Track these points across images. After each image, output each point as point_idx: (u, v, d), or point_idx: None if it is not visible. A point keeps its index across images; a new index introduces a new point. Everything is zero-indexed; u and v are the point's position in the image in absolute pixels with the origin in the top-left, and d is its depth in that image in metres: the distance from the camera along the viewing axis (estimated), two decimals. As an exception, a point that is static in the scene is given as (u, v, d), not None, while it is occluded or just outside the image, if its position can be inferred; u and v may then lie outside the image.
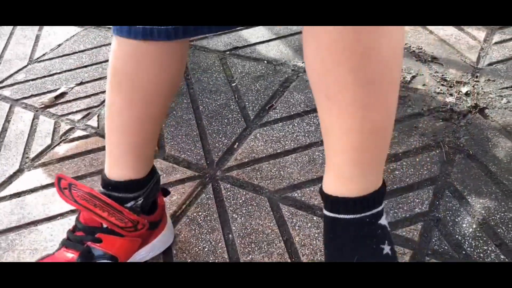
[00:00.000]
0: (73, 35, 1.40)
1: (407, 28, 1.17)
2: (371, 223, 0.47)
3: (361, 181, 0.47)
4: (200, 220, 0.76)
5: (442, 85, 0.97)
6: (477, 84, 0.95)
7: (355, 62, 0.37)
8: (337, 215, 0.48)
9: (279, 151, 0.87)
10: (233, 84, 1.08)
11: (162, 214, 0.69)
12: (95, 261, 0.59)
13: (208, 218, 0.76)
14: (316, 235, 0.70)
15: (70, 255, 0.59)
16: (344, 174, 0.47)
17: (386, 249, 0.48)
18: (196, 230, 0.75)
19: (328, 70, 0.39)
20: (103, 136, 0.98)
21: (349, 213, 0.47)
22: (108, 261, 0.60)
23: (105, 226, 0.60)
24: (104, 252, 0.60)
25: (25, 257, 0.73)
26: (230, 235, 0.73)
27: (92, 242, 0.59)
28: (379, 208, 0.49)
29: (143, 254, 0.68)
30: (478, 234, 0.67)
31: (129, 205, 0.61)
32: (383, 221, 0.49)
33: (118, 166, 0.60)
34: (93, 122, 1.03)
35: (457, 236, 0.67)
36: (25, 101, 1.11)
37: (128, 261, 0.65)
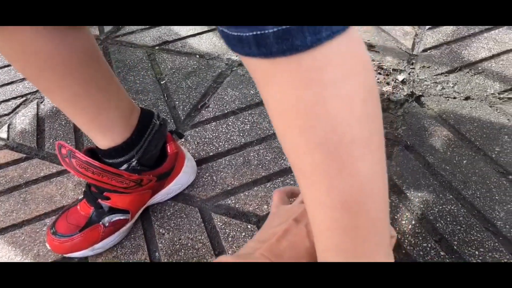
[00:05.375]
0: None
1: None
2: None
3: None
4: (123, 238, 0.68)
5: (379, 73, 0.94)
6: (413, 71, 0.93)
7: (302, 123, 0.30)
8: None
9: (211, 153, 0.80)
10: (162, 82, 0.99)
11: (173, 163, 0.69)
12: (108, 215, 0.65)
13: (132, 236, 0.68)
14: (251, 245, 0.65)
15: (88, 209, 0.65)
16: (327, 261, 0.37)
17: None
18: (119, 251, 0.66)
19: (283, 135, 0.33)
20: (13, 149, 0.86)
21: None
22: (120, 214, 0.65)
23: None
24: (114, 207, 0.65)
25: None
26: (157, 254, 0.66)
27: (102, 199, 0.64)
28: None
29: (159, 198, 0.71)
30: (417, 230, 0.64)
31: (123, 168, 0.62)
32: None
33: (94, 138, 0.61)
34: (2, 133, 0.91)
35: (397, 235, 0.64)
36: None
37: (146, 205, 0.70)
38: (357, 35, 0.31)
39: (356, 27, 0.31)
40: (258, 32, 0.27)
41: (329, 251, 0.36)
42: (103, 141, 0.60)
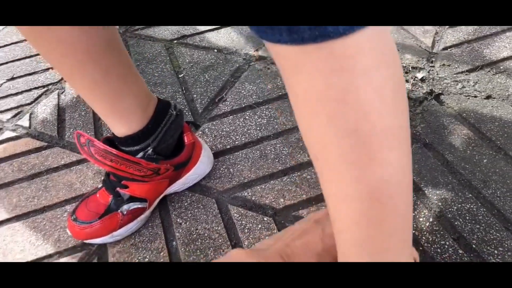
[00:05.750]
0: (5, 27, 1.27)
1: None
2: None
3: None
4: (141, 227, 0.69)
5: (398, 71, 0.93)
6: (432, 70, 0.92)
7: (332, 110, 0.30)
8: None
9: (228, 146, 0.81)
10: (180, 76, 1.00)
11: (190, 153, 0.70)
12: (126, 203, 0.65)
13: (150, 224, 0.69)
14: (267, 237, 0.65)
15: (107, 197, 0.66)
16: (350, 258, 0.36)
17: None
18: (136, 239, 0.67)
19: (308, 124, 0.32)
20: (35, 137, 0.88)
21: None
22: (138, 202, 0.66)
23: None
24: (132, 196, 0.66)
25: None
26: (174, 242, 0.66)
27: (120, 188, 0.65)
28: None
29: (177, 187, 0.72)
30: (435, 228, 0.64)
31: (139, 156, 0.63)
32: None
33: (111, 126, 0.62)
34: (24, 121, 0.93)
35: (414, 232, 0.63)
36: None
37: (164, 194, 0.70)
38: (387, 28, 0.31)
39: None
40: None
41: (354, 247, 0.35)
42: (120, 129, 0.61)
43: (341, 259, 0.37)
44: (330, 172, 0.33)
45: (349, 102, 0.29)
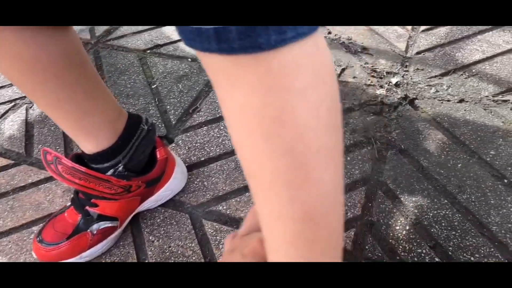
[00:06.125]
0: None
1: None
2: None
3: None
4: (112, 246, 0.66)
5: (373, 76, 0.93)
6: (406, 74, 0.93)
7: (268, 129, 0.29)
8: None
9: (203, 158, 0.79)
10: (153, 86, 0.98)
11: (162, 169, 0.68)
12: (96, 222, 0.63)
13: (121, 243, 0.67)
14: (243, 252, 0.63)
15: (76, 216, 0.64)
16: None
17: None
18: (107, 259, 0.65)
19: (243, 142, 0.31)
20: (1, 155, 0.85)
21: None
22: (108, 222, 0.64)
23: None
24: (102, 214, 0.63)
25: None
26: (146, 261, 0.64)
27: (89, 206, 0.63)
28: None
29: (149, 204, 0.70)
30: (411, 236, 0.63)
31: (109, 173, 0.61)
32: None
33: (79, 143, 0.60)
34: (-10, 138, 0.89)
35: (390, 241, 0.63)
36: None
37: (135, 212, 0.68)
38: (324, 43, 0.31)
39: (321, 34, 0.30)
40: (220, 26, 0.26)
41: None
42: (89, 146, 0.59)
43: None
44: (265, 191, 0.32)
45: (286, 121, 0.29)
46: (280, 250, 0.34)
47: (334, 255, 0.35)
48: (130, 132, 0.61)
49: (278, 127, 0.29)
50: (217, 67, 0.29)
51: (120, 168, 0.61)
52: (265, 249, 0.36)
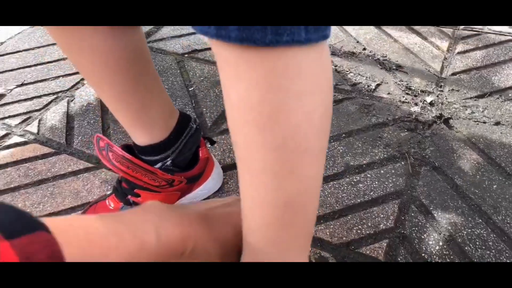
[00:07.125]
0: (18, 33, 1.29)
1: (371, 35, 1.14)
2: None
3: (280, 260, 0.40)
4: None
5: (407, 94, 0.94)
6: (441, 94, 0.93)
7: (262, 124, 0.32)
8: None
9: (237, 161, 0.81)
10: (190, 89, 1.01)
11: (203, 167, 0.70)
12: None
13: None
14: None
15: (117, 204, 0.66)
16: (258, 254, 0.39)
17: None
18: (142, 250, 0.66)
19: (238, 129, 0.34)
20: (43, 143, 0.88)
21: None
22: None
23: None
24: None
25: None
26: (180, 256, 0.65)
27: (131, 196, 0.65)
28: None
29: (186, 201, 0.71)
30: (445, 252, 0.63)
31: (157, 166, 0.63)
32: None
33: (133, 134, 0.62)
34: (32, 127, 0.93)
35: (423, 255, 0.63)
36: (-46, 103, 0.99)
37: None
38: (328, 52, 0.33)
39: (327, 43, 0.32)
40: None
41: (265, 246, 0.39)
42: (142, 138, 0.61)
43: (251, 255, 0.40)
44: (251, 177, 0.36)
45: (280, 120, 0.31)
46: (259, 230, 0.38)
47: (306, 238, 0.41)
48: (180, 129, 0.64)
49: (272, 124, 0.31)
50: (225, 58, 0.31)
51: (168, 163, 0.63)
52: (241, 222, 0.40)
